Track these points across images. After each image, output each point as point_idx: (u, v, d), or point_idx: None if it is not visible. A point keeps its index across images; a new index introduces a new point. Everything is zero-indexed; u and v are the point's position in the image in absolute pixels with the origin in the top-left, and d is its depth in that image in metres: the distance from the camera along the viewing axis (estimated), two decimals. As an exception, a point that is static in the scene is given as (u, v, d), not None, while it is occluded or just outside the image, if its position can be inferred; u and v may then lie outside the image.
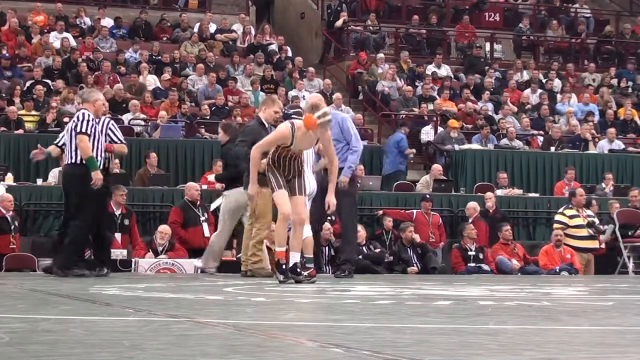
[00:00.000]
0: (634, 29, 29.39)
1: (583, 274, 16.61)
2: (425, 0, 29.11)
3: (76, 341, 4.42)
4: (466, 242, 16.71)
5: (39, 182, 17.35)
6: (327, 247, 15.53)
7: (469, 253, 16.63)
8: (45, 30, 24.04)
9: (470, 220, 17.27)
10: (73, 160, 11.81)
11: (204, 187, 16.98)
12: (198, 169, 19.21)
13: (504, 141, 21.79)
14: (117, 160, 17.80)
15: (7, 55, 22.60)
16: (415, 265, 16.24)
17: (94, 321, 5.51)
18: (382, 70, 24.76)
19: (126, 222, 15.68)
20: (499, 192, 19.23)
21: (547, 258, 16.55)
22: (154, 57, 23.83)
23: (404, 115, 22.91)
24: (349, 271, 12.19)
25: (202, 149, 19.54)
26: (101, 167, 11.93)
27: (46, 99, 20.47)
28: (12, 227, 15.32)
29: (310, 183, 11.15)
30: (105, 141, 12.12)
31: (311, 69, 24.54)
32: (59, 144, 12.36)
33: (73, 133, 11.73)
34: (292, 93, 22.90)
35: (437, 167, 19.85)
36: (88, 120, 11.70)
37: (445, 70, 25.74)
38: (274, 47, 25.66)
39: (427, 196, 17.91)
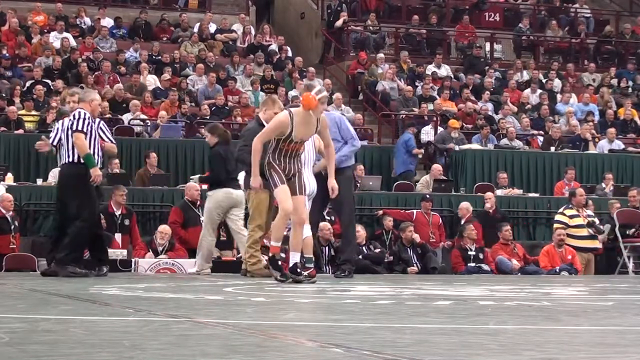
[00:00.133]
0: (634, 29, 29.39)
1: (583, 273, 16.61)
2: (425, 0, 29.11)
3: (76, 341, 4.42)
4: (466, 242, 16.72)
5: (39, 182, 17.36)
6: (327, 247, 15.52)
7: (469, 253, 16.63)
8: (45, 30, 24.04)
9: (463, 221, 17.33)
10: (71, 160, 11.77)
11: (204, 187, 16.96)
12: (198, 169, 19.19)
13: (504, 141, 21.79)
14: (117, 160, 17.88)
15: (7, 55, 22.61)
16: (415, 265, 16.24)
17: (94, 321, 5.51)
18: (382, 70, 24.76)
19: (126, 222, 15.68)
20: (499, 192, 19.23)
21: (548, 259, 16.54)
22: (154, 57, 23.84)
23: (404, 116, 22.92)
24: (349, 271, 12.18)
25: (202, 149, 19.48)
26: (100, 165, 11.92)
27: (46, 99, 20.48)
28: (12, 227, 15.33)
29: (311, 183, 11.13)
30: None
31: (311, 69, 24.54)
32: (54, 143, 12.32)
33: (69, 132, 11.71)
34: (292, 93, 22.89)
35: (437, 167, 19.86)
36: (84, 119, 11.69)
37: (445, 70, 25.74)
38: (274, 47, 25.67)
39: (427, 196, 17.92)
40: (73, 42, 23.68)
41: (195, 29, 25.50)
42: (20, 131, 19.27)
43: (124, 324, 5.42)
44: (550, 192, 20.33)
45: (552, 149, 21.76)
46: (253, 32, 26.34)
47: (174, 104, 21.46)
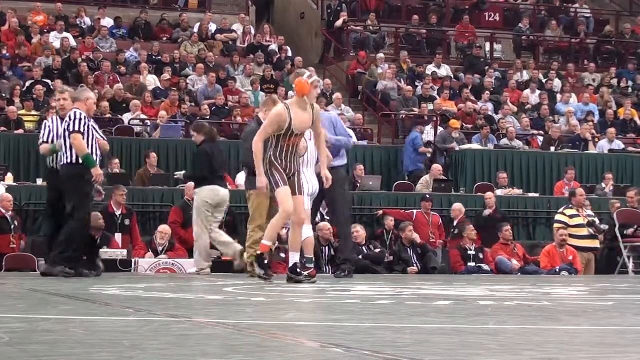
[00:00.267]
0: (634, 29, 29.38)
1: (583, 273, 16.61)
2: (425, 0, 29.11)
3: (76, 341, 4.42)
4: (466, 242, 16.72)
5: (39, 182, 17.34)
6: (327, 247, 15.52)
7: (469, 253, 16.63)
8: (45, 30, 24.04)
9: (455, 222, 17.35)
10: (69, 160, 11.76)
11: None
12: (198, 169, 19.20)
13: (504, 141, 21.78)
14: (117, 160, 17.89)
15: (7, 55, 22.61)
16: (415, 265, 16.23)
17: (94, 321, 5.51)
18: (382, 70, 24.76)
19: (126, 222, 15.69)
20: (499, 192, 19.23)
21: (549, 259, 16.53)
22: (154, 57, 23.83)
23: (404, 116, 22.92)
24: (349, 271, 12.18)
25: (202, 149, 19.51)
26: (98, 165, 11.92)
27: (46, 99, 20.47)
28: (12, 227, 15.33)
29: (313, 183, 11.12)
30: None
31: (311, 69, 24.49)
32: (46, 140, 12.27)
33: (67, 133, 11.71)
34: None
35: (437, 167, 19.86)
36: (81, 119, 11.69)
37: (445, 70, 25.74)
38: (274, 47, 25.66)
39: (427, 196, 17.92)
40: (73, 42, 23.68)
41: (195, 29, 25.50)
42: (20, 131, 19.27)
43: (124, 324, 5.42)
44: (550, 192, 20.33)
45: (552, 149, 21.76)
46: (253, 32, 26.34)
47: (174, 104, 21.46)
